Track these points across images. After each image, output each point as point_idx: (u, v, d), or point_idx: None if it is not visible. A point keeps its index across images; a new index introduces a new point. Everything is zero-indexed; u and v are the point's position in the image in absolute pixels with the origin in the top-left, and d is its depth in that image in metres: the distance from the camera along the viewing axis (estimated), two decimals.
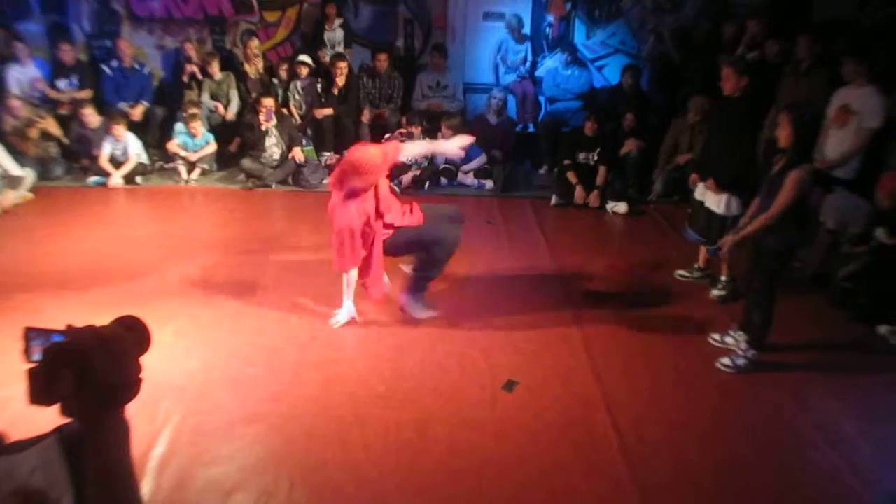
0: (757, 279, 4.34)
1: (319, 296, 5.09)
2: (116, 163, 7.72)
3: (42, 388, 1.21)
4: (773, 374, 4.31)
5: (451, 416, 3.75)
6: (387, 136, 7.26)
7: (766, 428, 3.82)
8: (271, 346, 4.41)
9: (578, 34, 9.44)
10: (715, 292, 5.36)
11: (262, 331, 4.60)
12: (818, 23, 7.53)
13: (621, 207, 7.29)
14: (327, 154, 8.39)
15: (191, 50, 8.77)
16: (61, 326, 1.32)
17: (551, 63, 9.33)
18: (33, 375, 1.22)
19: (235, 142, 8.33)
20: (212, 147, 8.06)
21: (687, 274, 5.66)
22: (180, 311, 4.77)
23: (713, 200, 5.21)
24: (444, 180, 7.99)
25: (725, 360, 4.37)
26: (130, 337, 1.34)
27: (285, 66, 8.80)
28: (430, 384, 4.04)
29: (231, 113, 8.58)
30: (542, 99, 9.28)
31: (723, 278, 5.36)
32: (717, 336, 4.66)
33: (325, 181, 7.99)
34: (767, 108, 6.61)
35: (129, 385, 1.26)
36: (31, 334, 1.37)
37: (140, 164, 7.80)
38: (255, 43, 8.73)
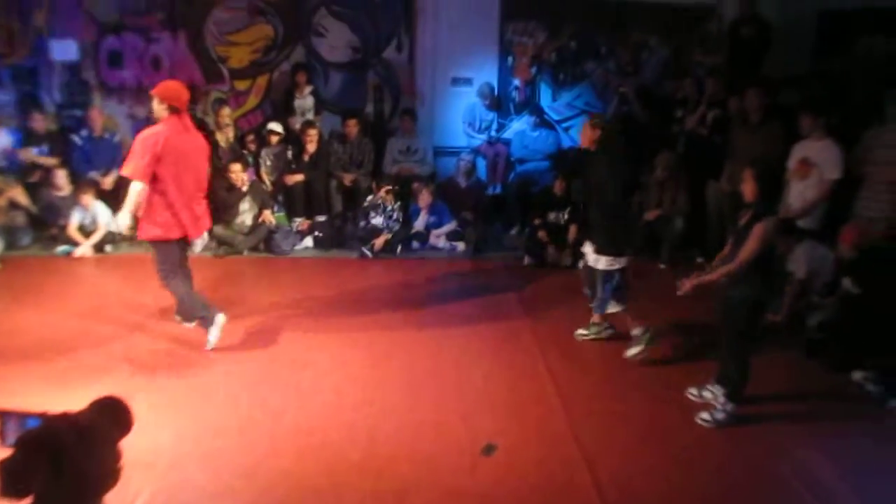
0: (727, 333, 4.38)
1: (292, 363, 5.03)
2: (86, 232, 7.64)
3: (15, 480, 1.15)
4: (752, 426, 4.33)
5: (430, 485, 3.67)
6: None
7: (748, 481, 3.81)
8: (243, 416, 4.31)
9: (544, 97, 9.66)
10: (631, 351, 5.23)
11: (234, 400, 4.51)
12: (767, 77, 7.82)
13: None
14: (298, 220, 8.39)
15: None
16: (28, 403, 1.28)
17: (519, 125, 9.52)
18: (5, 467, 1.17)
19: None
20: None
21: (585, 332, 5.62)
22: (149, 383, 4.66)
23: (591, 257, 5.25)
24: (415, 244, 8.02)
25: (705, 415, 4.37)
26: (110, 421, 1.30)
27: (252, 137, 8.86)
28: (407, 450, 3.97)
29: None
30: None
31: (636, 332, 5.24)
32: (694, 390, 4.67)
33: (297, 246, 7.99)
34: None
35: (107, 474, 1.22)
36: (5, 418, 1.32)
37: (109, 233, 7.72)
38: (226, 111, 8.78)
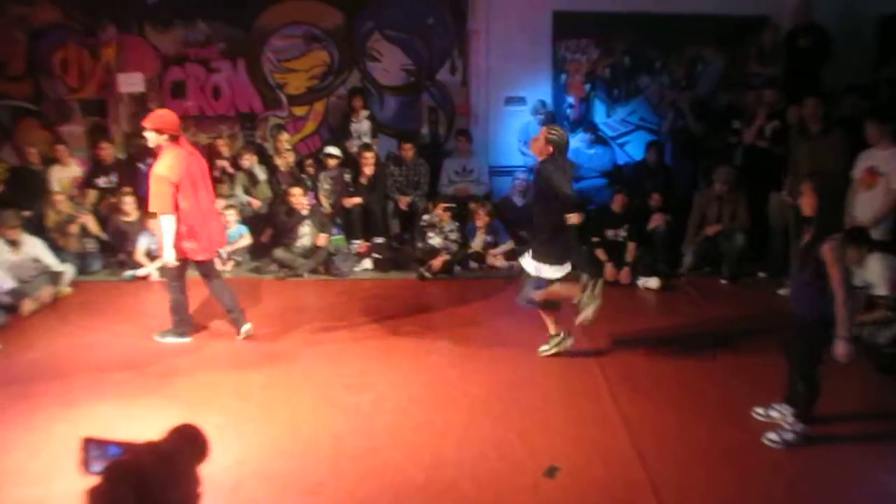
0: (797, 352, 4.25)
1: (352, 385, 5.08)
2: (152, 256, 7.88)
3: None
4: (823, 446, 4.19)
5: None
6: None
7: None
8: (306, 438, 4.37)
9: (599, 113, 9.62)
10: (543, 348, 5.48)
11: (296, 422, 4.57)
12: (828, 87, 7.63)
13: (653, 283, 7.26)
14: (357, 242, 8.49)
15: (222, 146, 9.05)
16: (98, 420, 1.33)
17: (574, 143, 9.45)
18: (93, 495, 1.22)
19: (267, 233, 8.48)
20: (246, 240, 8.20)
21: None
22: (214, 405, 4.76)
23: (528, 263, 5.26)
24: (473, 264, 8.03)
25: (773, 436, 4.24)
26: (190, 450, 1.34)
27: (310, 161, 9.04)
28: (469, 471, 3.97)
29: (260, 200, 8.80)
30: None
31: (552, 333, 5.42)
32: (760, 409, 4.56)
33: (356, 268, 8.09)
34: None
35: (188, 500, 1.25)
36: (89, 445, 1.38)
37: None
38: (284, 136, 9.00)
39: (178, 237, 5.52)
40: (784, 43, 8.35)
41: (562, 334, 5.48)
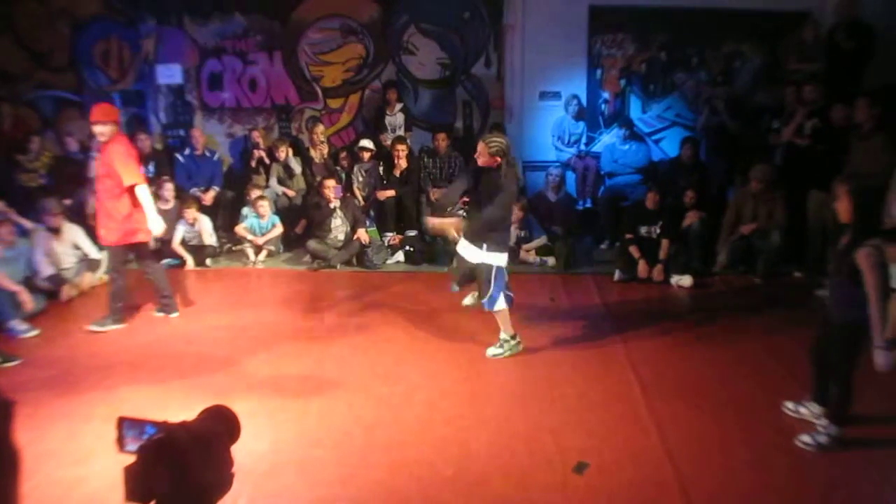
0: (832, 355, 4.19)
1: (385, 376, 5.12)
2: (187, 246, 8.00)
3: (139, 486, 1.23)
4: (858, 450, 4.11)
5: (522, 501, 3.68)
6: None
7: None
8: (338, 428, 4.42)
9: (634, 109, 9.53)
10: (493, 351, 5.46)
11: (329, 412, 4.62)
12: (877, 86, 7.47)
13: (686, 280, 7.20)
14: (390, 234, 8.54)
15: (258, 137, 9.16)
16: (135, 408, 1.36)
17: (608, 139, 9.42)
18: (130, 473, 1.25)
19: (301, 224, 8.56)
20: (278, 230, 8.30)
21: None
22: (248, 394, 4.82)
23: (479, 255, 5.29)
24: None
25: (806, 438, 4.19)
26: (222, 430, 1.36)
27: (345, 154, 9.10)
28: (499, 466, 3.98)
29: (294, 191, 8.88)
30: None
31: (503, 336, 5.44)
32: (791, 405, 4.52)
33: (388, 261, 8.13)
34: (833, 174, 6.56)
35: (222, 481, 1.28)
36: (124, 424, 1.41)
37: (210, 247, 8.06)
38: (320, 128, 9.07)
39: (122, 221, 5.79)
40: (825, 39, 8.20)
41: (518, 338, 5.52)
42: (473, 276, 5.49)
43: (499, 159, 5.15)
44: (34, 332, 5.97)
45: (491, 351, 5.48)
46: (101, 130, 5.71)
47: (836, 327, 4.11)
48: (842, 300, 4.09)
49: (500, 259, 5.31)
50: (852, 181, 4.15)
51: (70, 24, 9.44)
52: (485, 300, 5.35)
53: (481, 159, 5.21)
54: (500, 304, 5.36)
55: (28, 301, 6.15)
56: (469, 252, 5.37)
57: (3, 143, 8.72)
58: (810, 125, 7.36)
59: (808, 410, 4.41)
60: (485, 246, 5.26)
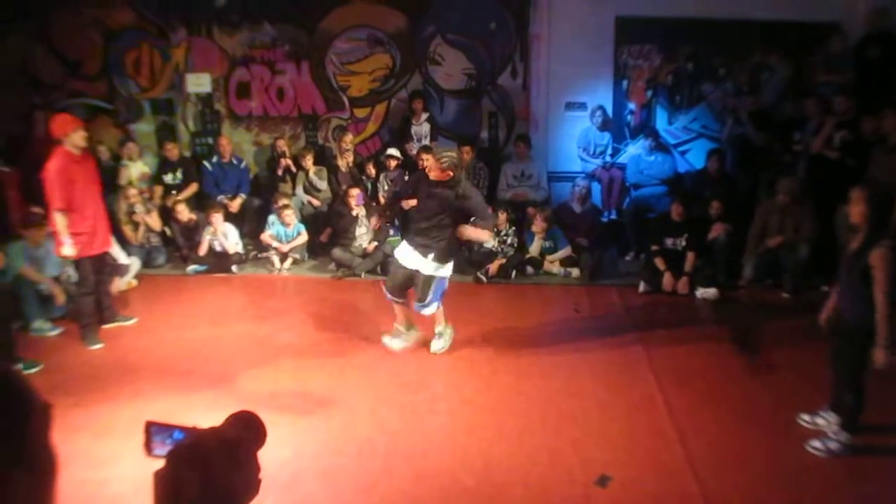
0: (843, 362, 4.18)
1: (407, 385, 5.13)
2: (214, 252, 8.08)
3: (168, 492, 1.25)
4: (872, 458, 4.12)
5: None
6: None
7: None
8: (361, 436, 4.44)
9: (660, 120, 9.48)
10: (438, 345, 5.69)
11: (352, 420, 4.65)
12: None
13: (711, 293, 7.14)
14: None
15: (283, 146, 9.24)
16: (158, 409, 1.38)
17: (634, 150, 9.37)
18: (160, 478, 1.27)
19: (326, 232, 8.62)
20: (303, 238, 8.36)
21: (402, 342, 5.72)
22: (272, 401, 4.87)
23: (429, 266, 5.44)
24: (530, 269, 8.01)
25: (816, 444, 4.20)
26: (249, 436, 1.38)
27: (371, 163, 9.15)
28: (520, 477, 3.98)
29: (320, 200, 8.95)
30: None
31: (438, 329, 5.70)
32: (807, 416, 4.52)
33: None
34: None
35: (249, 488, 1.29)
36: (152, 429, 1.43)
37: (236, 254, 8.14)
38: (349, 137, 9.13)
39: (77, 234, 5.71)
40: (854, 50, 8.12)
41: (450, 327, 5.78)
42: (409, 285, 5.63)
43: (451, 173, 5.29)
44: (57, 331, 6.17)
45: (435, 346, 5.71)
46: (75, 140, 5.68)
47: (846, 332, 4.11)
48: (849, 304, 4.11)
49: (446, 271, 5.52)
50: (868, 185, 4.19)
51: (103, 33, 9.59)
52: (420, 305, 5.55)
53: (433, 174, 5.37)
54: (433, 309, 5.59)
55: (59, 294, 6.33)
56: (411, 259, 5.51)
57: (36, 151, 8.86)
58: (839, 137, 7.29)
59: (825, 420, 4.40)
60: (431, 256, 5.40)
